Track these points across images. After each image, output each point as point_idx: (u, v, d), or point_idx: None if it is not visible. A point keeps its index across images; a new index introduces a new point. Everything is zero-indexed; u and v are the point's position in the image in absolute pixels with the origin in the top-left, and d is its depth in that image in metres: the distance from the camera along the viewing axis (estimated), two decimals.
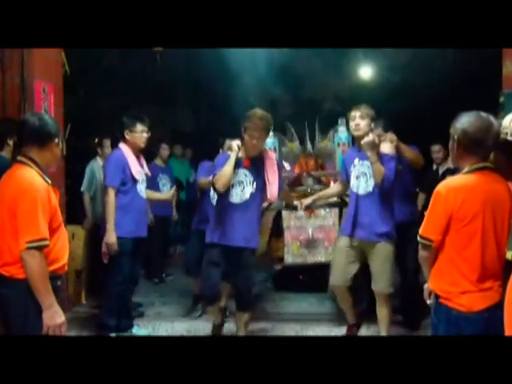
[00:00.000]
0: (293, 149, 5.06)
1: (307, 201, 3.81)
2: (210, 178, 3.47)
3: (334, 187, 3.98)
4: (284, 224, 4.47)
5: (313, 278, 4.79)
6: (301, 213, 4.32)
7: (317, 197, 3.89)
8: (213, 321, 3.71)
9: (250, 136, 3.29)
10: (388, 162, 3.31)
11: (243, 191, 3.36)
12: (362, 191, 3.40)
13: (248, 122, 3.29)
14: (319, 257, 4.43)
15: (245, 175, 3.38)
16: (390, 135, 3.67)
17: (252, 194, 3.37)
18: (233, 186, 3.34)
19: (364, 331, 3.84)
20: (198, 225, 4.20)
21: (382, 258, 3.35)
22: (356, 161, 3.46)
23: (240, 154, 3.35)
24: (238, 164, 3.34)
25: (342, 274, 3.46)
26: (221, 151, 4.10)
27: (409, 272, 3.88)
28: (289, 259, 4.45)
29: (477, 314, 2.02)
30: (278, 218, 4.48)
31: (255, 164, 3.40)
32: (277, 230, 4.51)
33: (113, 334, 3.77)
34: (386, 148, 3.39)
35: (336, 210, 4.41)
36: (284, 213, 4.44)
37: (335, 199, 4.26)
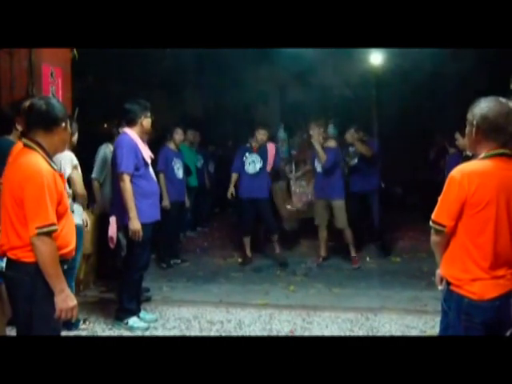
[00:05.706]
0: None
1: (297, 174, 6.78)
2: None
3: (309, 166, 6.42)
4: (292, 190, 6.96)
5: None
6: (303, 183, 6.84)
7: (303, 171, 6.69)
8: (245, 250, 5.99)
9: (258, 133, 5.85)
10: (328, 152, 5.53)
11: (255, 166, 5.80)
12: (319, 169, 5.72)
13: (256, 130, 5.86)
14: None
15: (255, 157, 5.82)
16: (353, 135, 5.89)
17: (260, 168, 5.81)
18: (249, 164, 5.80)
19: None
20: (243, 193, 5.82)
21: (337, 208, 5.64)
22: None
23: (253, 144, 5.85)
24: (251, 150, 5.84)
25: (322, 217, 5.79)
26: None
27: (359, 219, 6.14)
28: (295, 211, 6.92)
29: (488, 301, 1.99)
30: (288, 186, 6.99)
31: (262, 150, 5.86)
32: (288, 194, 6.98)
33: (131, 321, 3.82)
34: (330, 143, 5.69)
35: None
36: (291, 182, 6.93)
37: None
